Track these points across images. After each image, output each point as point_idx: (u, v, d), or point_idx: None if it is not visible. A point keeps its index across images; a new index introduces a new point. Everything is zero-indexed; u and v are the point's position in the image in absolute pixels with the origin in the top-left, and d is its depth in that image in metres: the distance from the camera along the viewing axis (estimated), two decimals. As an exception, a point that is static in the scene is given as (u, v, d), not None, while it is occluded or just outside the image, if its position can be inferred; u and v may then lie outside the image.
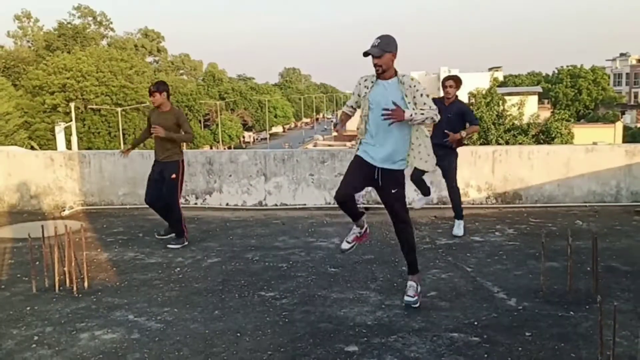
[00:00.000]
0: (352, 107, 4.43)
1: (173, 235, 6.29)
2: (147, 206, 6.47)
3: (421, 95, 4.08)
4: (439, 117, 4.10)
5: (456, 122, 6.19)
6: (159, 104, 6.12)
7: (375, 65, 4.06)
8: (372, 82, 4.17)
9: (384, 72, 4.07)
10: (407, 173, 4.51)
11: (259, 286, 4.80)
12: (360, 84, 4.25)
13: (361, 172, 4.19)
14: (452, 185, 6.43)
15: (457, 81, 6.29)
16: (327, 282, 4.84)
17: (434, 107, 4.07)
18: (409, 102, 4.05)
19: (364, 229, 4.48)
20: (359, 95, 4.26)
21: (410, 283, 4.34)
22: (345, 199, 4.21)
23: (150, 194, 6.22)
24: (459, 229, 6.45)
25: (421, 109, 4.05)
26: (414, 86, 4.08)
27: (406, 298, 4.28)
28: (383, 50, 4.01)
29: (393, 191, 4.18)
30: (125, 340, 3.77)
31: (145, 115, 50.86)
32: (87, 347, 3.67)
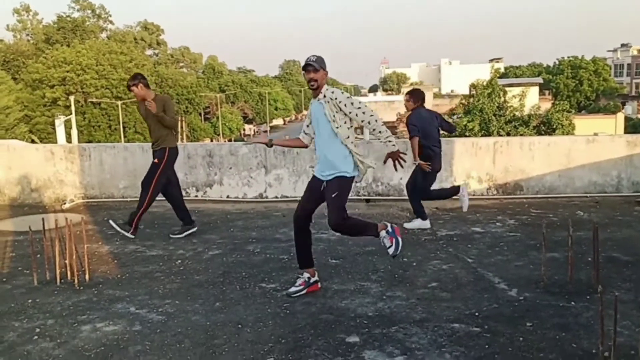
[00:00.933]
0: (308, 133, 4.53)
1: (187, 231, 6.29)
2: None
3: (345, 105, 4.18)
4: (386, 135, 4.25)
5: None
6: (142, 96, 6.09)
7: (310, 80, 4.20)
8: (311, 103, 4.37)
9: (317, 87, 4.22)
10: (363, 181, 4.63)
11: (260, 278, 4.81)
12: (310, 109, 4.41)
13: (311, 191, 4.37)
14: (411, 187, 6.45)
15: (412, 95, 6.34)
16: (328, 274, 4.84)
17: (368, 111, 4.21)
18: (333, 116, 4.18)
19: (314, 279, 4.45)
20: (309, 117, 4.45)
21: (381, 234, 4.25)
22: (299, 222, 4.34)
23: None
24: (413, 223, 6.46)
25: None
26: (335, 98, 4.19)
27: (389, 251, 4.23)
28: (320, 66, 4.20)
29: (333, 195, 4.20)
30: (127, 332, 3.78)
31: (145, 109, 50.93)
32: (88, 339, 3.67)
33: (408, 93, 6.49)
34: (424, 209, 6.43)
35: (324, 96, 4.22)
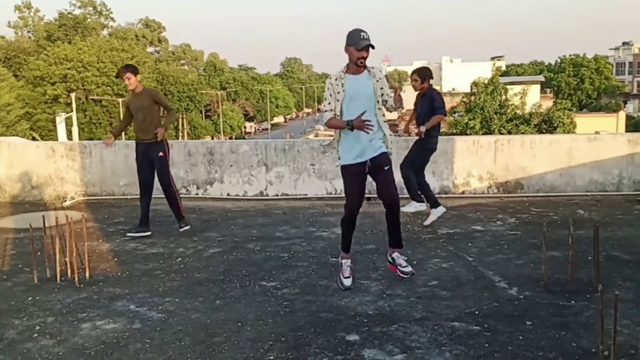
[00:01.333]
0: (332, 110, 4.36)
1: (186, 227, 6.26)
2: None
3: (385, 81, 4.36)
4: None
5: (427, 111, 6.11)
6: (135, 86, 6.09)
7: (364, 58, 4.20)
8: (342, 79, 4.27)
9: (364, 65, 4.25)
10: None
11: (260, 276, 4.81)
12: (332, 85, 4.29)
13: (360, 179, 4.36)
14: (405, 172, 6.26)
15: (421, 74, 6.19)
16: (328, 272, 4.84)
17: (391, 94, 4.38)
18: (381, 88, 4.30)
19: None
20: (336, 97, 4.28)
21: (398, 254, 4.42)
22: (356, 214, 4.40)
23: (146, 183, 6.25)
24: (410, 206, 6.34)
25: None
26: (382, 78, 4.32)
27: (407, 269, 4.34)
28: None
29: (385, 168, 4.29)
30: (127, 330, 3.78)
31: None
32: (88, 337, 3.67)
33: (415, 72, 6.26)
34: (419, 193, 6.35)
35: (372, 75, 4.27)
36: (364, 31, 4.19)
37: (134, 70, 6.10)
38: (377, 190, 4.43)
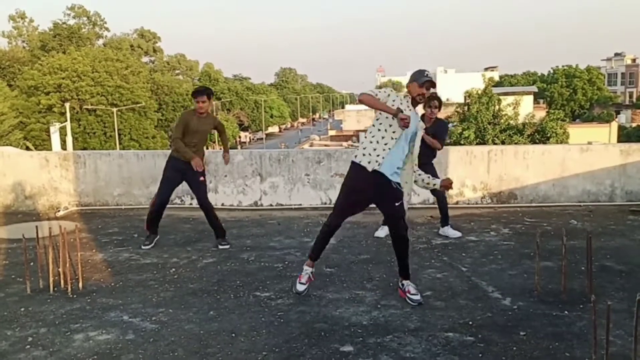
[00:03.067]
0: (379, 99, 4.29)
1: (226, 246, 6.15)
2: (142, 206, 6.48)
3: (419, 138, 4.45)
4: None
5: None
6: (206, 110, 6.04)
7: (424, 95, 4.29)
8: (402, 101, 4.27)
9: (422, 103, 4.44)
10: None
11: (255, 286, 4.80)
12: (390, 96, 4.25)
13: (362, 195, 4.40)
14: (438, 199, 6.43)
15: (441, 104, 6.21)
16: (322, 282, 4.84)
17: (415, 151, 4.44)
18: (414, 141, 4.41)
19: (312, 270, 4.60)
20: (391, 103, 4.26)
21: (408, 282, 4.46)
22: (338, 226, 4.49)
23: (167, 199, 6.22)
24: (446, 232, 6.46)
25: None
26: (420, 130, 4.41)
27: (416, 297, 4.34)
28: None
29: (396, 204, 4.34)
30: (120, 341, 3.76)
31: (141, 116, 50.84)
32: (81, 348, 3.65)
33: (436, 98, 6.15)
34: None
35: (417, 113, 4.41)
36: (427, 70, 4.37)
37: (209, 95, 6.03)
38: (386, 222, 4.55)
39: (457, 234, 6.38)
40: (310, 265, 4.57)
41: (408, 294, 4.37)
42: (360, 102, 4.29)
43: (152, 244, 6.12)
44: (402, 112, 4.09)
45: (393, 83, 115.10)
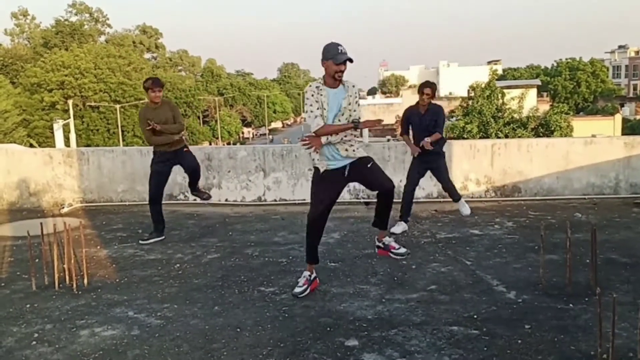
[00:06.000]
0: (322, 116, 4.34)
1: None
2: (146, 202, 6.49)
3: (357, 104, 4.33)
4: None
5: (433, 126, 6.20)
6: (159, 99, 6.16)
7: (342, 71, 4.20)
8: (322, 90, 4.28)
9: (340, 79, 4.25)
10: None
11: (259, 281, 4.81)
12: (315, 94, 4.28)
13: (337, 185, 4.46)
14: (447, 186, 6.48)
15: (434, 89, 6.26)
16: (326, 277, 4.84)
17: (358, 116, 4.28)
18: (356, 103, 4.31)
19: (314, 276, 4.56)
20: (322, 105, 4.29)
21: (388, 238, 4.67)
22: (321, 217, 4.49)
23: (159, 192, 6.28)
24: (464, 207, 6.49)
25: (340, 124, 4.29)
26: (356, 93, 4.31)
27: (400, 251, 4.57)
28: None
29: (369, 165, 4.37)
30: (125, 336, 3.78)
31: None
32: (87, 344, 3.67)
33: (429, 86, 6.19)
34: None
35: (344, 85, 4.27)
36: (341, 45, 4.19)
37: (161, 87, 6.19)
38: (371, 184, 4.52)
39: (467, 210, 6.50)
40: (309, 271, 4.56)
41: (392, 250, 4.40)
42: (321, 135, 4.27)
43: (150, 241, 6.13)
44: (358, 122, 4.23)
45: (396, 77, 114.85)
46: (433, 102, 6.29)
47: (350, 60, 4.15)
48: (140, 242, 6.12)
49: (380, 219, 4.63)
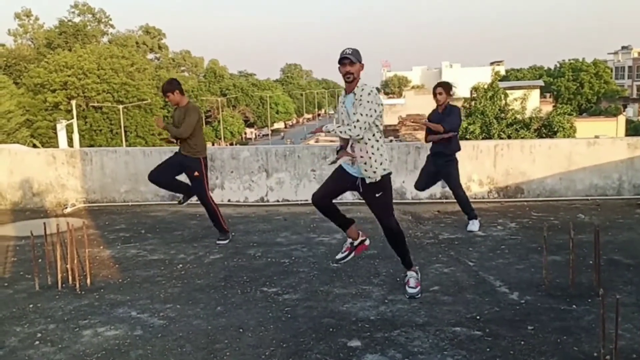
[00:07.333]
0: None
1: (223, 242, 6.17)
2: (149, 203, 6.49)
3: (360, 104, 4.09)
4: (349, 133, 4.10)
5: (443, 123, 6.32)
6: (176, 102, 6.12)
7: (347, 73, 4.13)
8: (341, 95, 4.32)
9: (354, 80, 4.14)
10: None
11: (262, 282, 4.81)
12: (339, 101, 4.36)
13: (341, 180, 4.44)
14: (457, 192, 6.45)
15: (446, 88, 6.33)
16: (329, 278, 4.84)
17: (358, 121, 4.06)
18: (354, 114, 4.13)
19: (358, 241, 4.58)
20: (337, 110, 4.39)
21: (410, 273, 4.46)
22: (322, 199, 4.48)
23: (156, 172, 6.19)
24: (473, 225, 6.45)
25: (338, 125, 4.21)
26: (360, 96, 4.11)
27: (409, 290, 4.35)
28: (356, 59, 4.14)
29: (377, 195, 4.32)
30: (128, 336, 3.78)
31: (147, 113, 50.94)
32: (90, 344, 3.67)
33: (440, 85, 6.37)
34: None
35: (354, 94, 4.16)
36: (348, 48, 4.17)
37: (172, 89, 6.10)
38: (373, 213, 4.51)
39: (475, 228, 6.44)
40: (349, 236, 4.61)
41: (406, 286, 4.39)
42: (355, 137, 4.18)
43: (227, 241, 6.15)
44: (340, 148, 4.40)
45: (399, 78, 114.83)
46: (451, 103, 6.41)
47: (346, 60, 4.10)
48: (217, 242, 6.10)
49: (397, 255, 4.56)
